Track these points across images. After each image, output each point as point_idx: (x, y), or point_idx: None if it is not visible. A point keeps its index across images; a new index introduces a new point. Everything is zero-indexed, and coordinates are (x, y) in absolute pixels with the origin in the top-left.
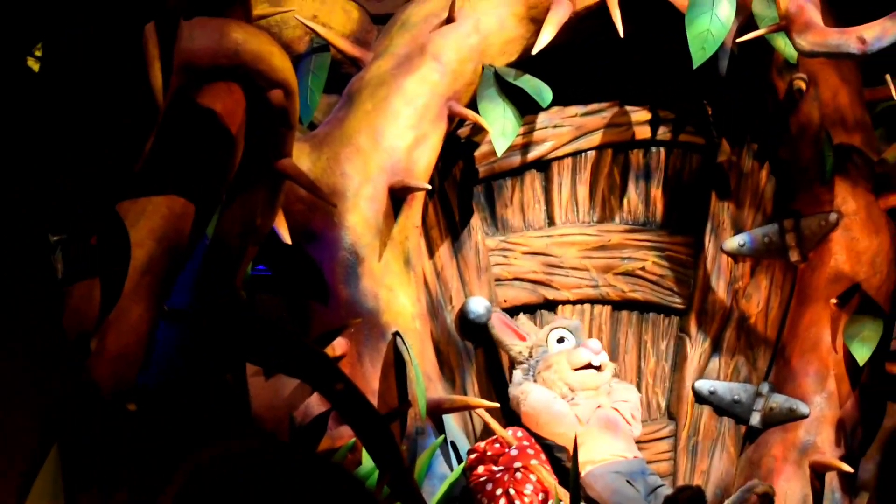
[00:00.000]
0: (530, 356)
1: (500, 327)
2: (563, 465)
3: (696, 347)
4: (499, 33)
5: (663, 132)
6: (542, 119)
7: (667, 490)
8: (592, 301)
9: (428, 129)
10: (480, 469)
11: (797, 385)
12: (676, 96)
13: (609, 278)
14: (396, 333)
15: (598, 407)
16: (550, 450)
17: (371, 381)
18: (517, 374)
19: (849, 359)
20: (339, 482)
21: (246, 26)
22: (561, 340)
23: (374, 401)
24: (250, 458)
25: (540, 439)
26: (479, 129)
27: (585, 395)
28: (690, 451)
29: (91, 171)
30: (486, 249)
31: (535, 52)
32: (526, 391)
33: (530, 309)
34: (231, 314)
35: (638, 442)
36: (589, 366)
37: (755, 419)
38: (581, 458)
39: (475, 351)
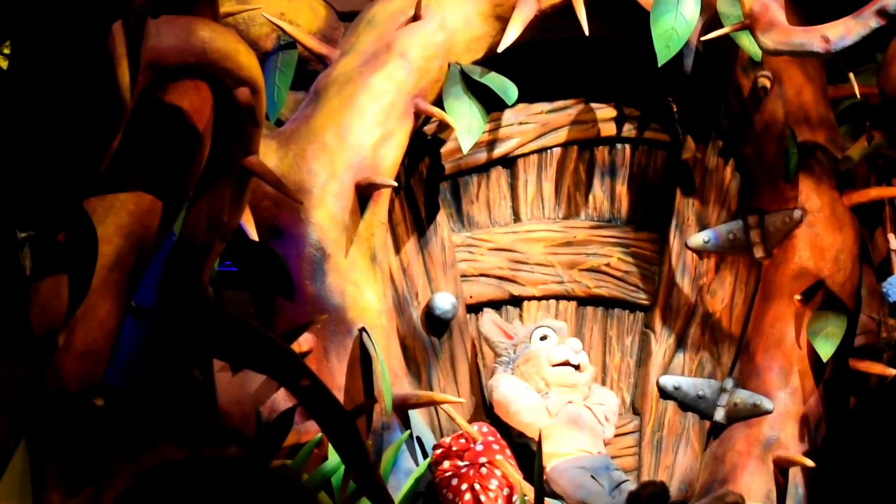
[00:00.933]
0: (514, 352)
1: (491, 327)
2: (531, 452)
3: (661, 343)
4: (465, 31)
5: (628, 129)
6: (507, 116)
7: (631, 485)
8: (558, 297)
9: (394, 126)
10: (446, 464)
11: (761, 381)
12: (641, 94)
13: (574, 274)
14: (362, 329)
15: (569, 402)
16: (517, 446)
17: (337, 376)
18: (498, 367)
19: (812, 355)
20: (282, 491)
21: (213, 24)
22: (544, 338)
23: (341, 396)
24: (191, 466)
25: (506, 436)
26: (445, 126)
27: (560, 391)
28: (655, 446)
29: (59, 168)
30: (452, 245)
31: (500, 49)
32: (499, 380)
33: (496, 305)
34: (198, 310)
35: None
36: (567, 364)
37: (719, 415)
38: (546, 450)
39: (441, 346)
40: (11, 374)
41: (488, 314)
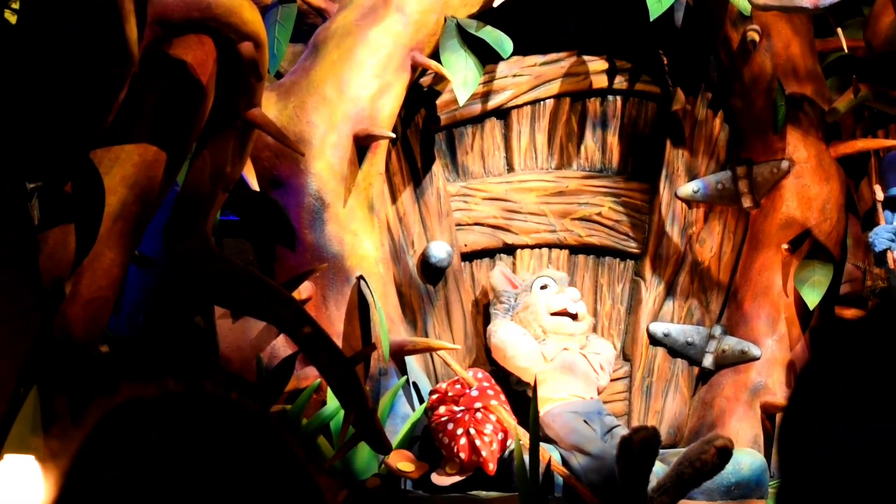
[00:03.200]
0: (515, 300)
1: (500, 278)
2: (527, 397)
3: (651, 291)
4: None
5: (620, 81)
6: (502, 69)
7: (622, 430)
8: (550, 245)
9: (391, 78)
10: (442, 409)
11: (749, 328)
12: (633, 47)
13: (566, 223)
14: (360, 277)
15: (565, 349)
16: (512, 392)
17: (336, 323)
18: (498, 313)
19: (799, 302)
20: (248, 423)
21: None
22: (544, 287)
23: (339, 343)
24: (164, 403)
25: (504, 383)
26: (441, 79)
27: (556, 338)
28: (645, 391)
29: (66, 120)
30: (448, 195)
31: (496, 4)
32: (497, 325)
33: (490, 253)
34: (201, 259)
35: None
36: (565, 313)
37: (708, 361)
38: (541, 394)
39: (436, 294)
40: (24, 322)
41: (499, 266)
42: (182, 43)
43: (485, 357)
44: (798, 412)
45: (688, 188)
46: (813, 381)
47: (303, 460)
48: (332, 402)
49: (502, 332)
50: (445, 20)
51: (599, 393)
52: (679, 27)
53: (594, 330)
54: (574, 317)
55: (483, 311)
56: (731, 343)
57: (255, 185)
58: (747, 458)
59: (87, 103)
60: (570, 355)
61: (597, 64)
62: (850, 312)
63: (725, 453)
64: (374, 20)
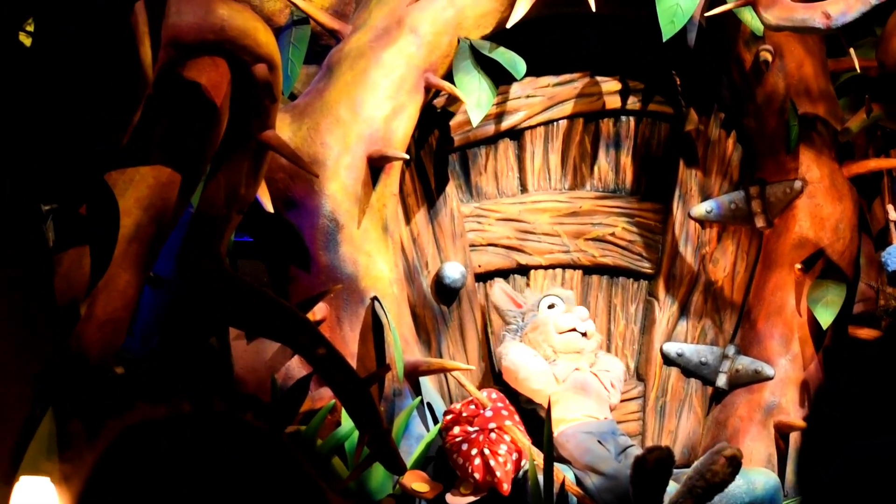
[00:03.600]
0: (522, 320)
1: (501, 296)
2: (540, 421)
3: (665, 311)
4: (474, 6)
5: (633, 102)
6: (515, 89)
7: (636, 450)
8: (564, 266)
9: (405, 99)
10: (456, 430)
11: (762, 347)
12: (646, 67)
13: (580, 244)
14: (375, 298)
15: (576, 369)
16: (526, 411)
17: (350, 344)
18: (507, 335)
19: (813, 322)
20: (259, 443)
21: (231, 2)
22: (552, 306)
23: (354, 364)
24: (179, 423)
25: (515, 402)
26: (454, 100)
27: (567, 358)
28: (659, 411)
29: (81, 142)
30: (461, 216)
31: (509, 25)
32: (508, 348)
33: (504, 274)
34: (215, 280)
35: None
36: (574, 331)
37: (721, 381)
38: (554, 416)
39: (450, 315)
40: (39, 344)
41: (499, 283)
42: (196, 65)
43: (492, 378)
44: (815, 431)
45: (701, 208)
46: (828, 400)
47: (315, 481)
48: (346, 423)
49: (514, 354)
50: (459, 41)
51: (611, 410)
52: (692, 47)
53: (607, 349)
54: (583, 335)
55: (497, 332)
56: (745, 363)
57: (269, 207)
58: (761, 478)
59: (101, 125)
60: (582, 375)
61: (610, 84)
62: (863, 332)
63: (735, 462)
64: (388, 42)
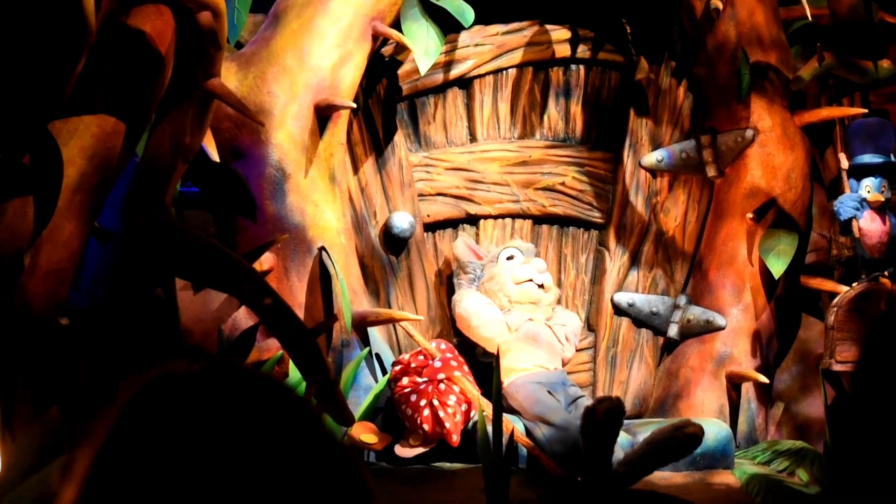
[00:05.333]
0: (481, 270)
1: (464, 250)
2: (490, 368)
3: (615, 261)
4: None
5: (583, 50)
6: (463, 38)
7: (587, 400)
8: (513, 216)
9: (353, 47)
10: (405, 381)
11: (714, 297)
12: (596, 16)
13: (530, 193)
14: (322, 248)
15: (529, 320)
16: (475, 361)
17: (297, 294)
18: (463, 283)
19: (764, 272)
20: (283, 403)
21: None
22: (510, 258)
23: (301, 314)
24: (195, 379)
25: (470, 355)
26: (402, 48)
27: (522, 308)
28: (610, 361)
29: (24, 92)
30: (410, 165)
31: None
32: (462, 295)
33: (453, 223)
34: (160, 231)
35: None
36: (531, 282)
37: (673, 331)
38: (504, 365)
39: (399, 265)
40: None
41: (462, 236)
42: (140, 13)
43: (449, 328)
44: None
45: (652, 157)
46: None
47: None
48: (294, 374)
49: (467, 301)
50: None
51: (565, 364)
52: None
53: (559, 301)
54: (540, 287)
55: (447, 282)
56: (696, 313)
57: (215, 156)
58: (713, 429)
59: (44, 74)
60: (535, 326)
61: (559, 33)
62: (815, 282)
63: (695, 440)
64: None
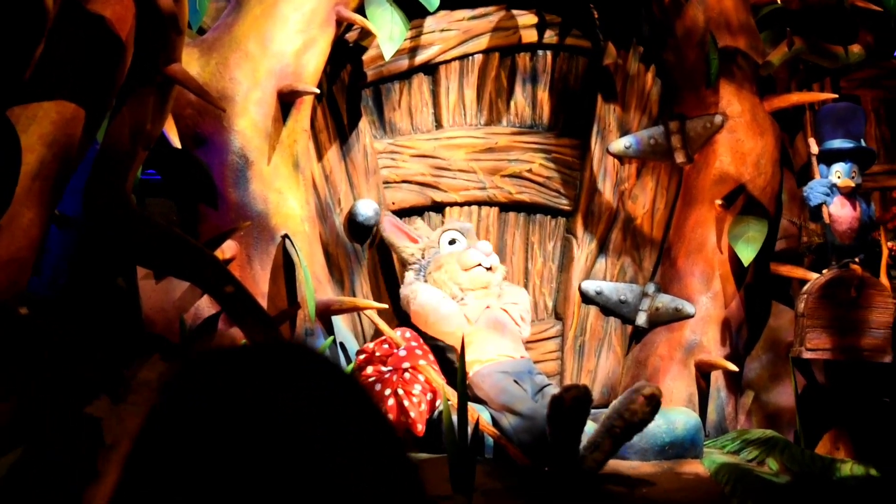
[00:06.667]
0: (423, 257)
1: (392, 230)
2: (453, 365)
3: (583, 248)
4: None
5: (550, 36)
6: (429, 23)
7: (554, 389)
8: (480, 203)
9: (316, 33)
10: (369, 369)
11: (683, 285)
12: (563, 1)
13: (496, 180)
14: (285, 236)
15: (487, 307)
16: (440, 350)
17: (261, 283)
18: (409, 274)
19: (734, 259)
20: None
21: None
22: (452, 242)
23: (264, 303)
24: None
25: (429, 340)
26: (367, 34)
27: (475, 295)
28: (577, 350)
29: None
30: (375, 152)
31: None
32: (415, 291)
33: (418, 211)
34: (122, 218)
35: (525, 342)
36: (479, 267)
37: (641, 319)
38: (469, 357)
39: (364, 253)
40: None
41: (387, 217)
42: None
43: (396, 319)
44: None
45: (620, 144)
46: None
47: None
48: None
49: (422, 296)
50: None
51: (527, 349)
52: None
53: (525, 287)
54: (489, 269)
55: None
56: (665, 301)
57: (176, 143)
58: (682, 418)
59: (1, 60)
60: (494, 313)
61: (526, 18)
62: (785, 269)
63: (654, 400)
64: None
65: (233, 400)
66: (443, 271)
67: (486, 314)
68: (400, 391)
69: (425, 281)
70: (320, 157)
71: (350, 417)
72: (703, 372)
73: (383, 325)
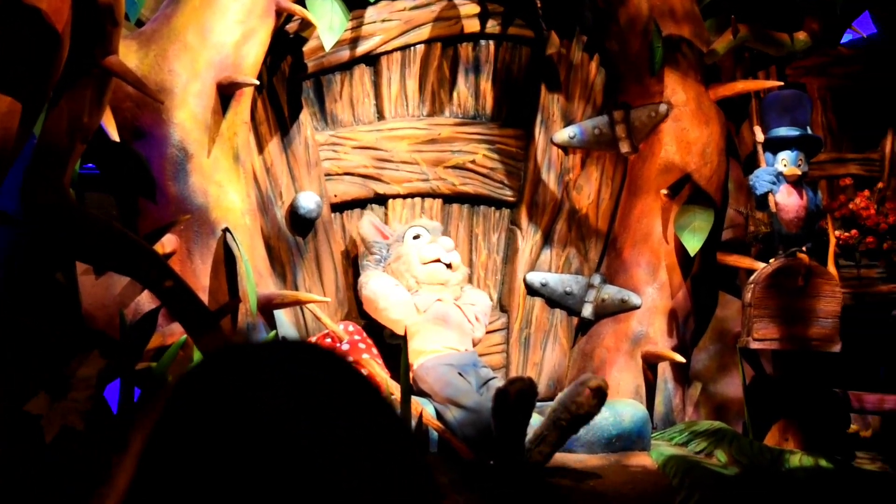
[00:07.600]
0: (387, 250)
1: (369, 229)
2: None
3: (528, 240)
4: None
5: (492, 25)
6: (370, 13)
7: (499, 382)
8: (423, 195)
9: (256, 24)
10: None
11: (629, 276)
12: None
13: (440, 172)
14: (226, 230)
15: (438, 300)
16: (388, 346)
17: (201, 277)
18: (369, 264)
19: (680, 249)
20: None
21: None
22: (417, 237)
23: (205, 297)
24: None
25: (379, 337)
26: (307, 25)
27: (430, 289)
28: (523, 343)
29: None
30: (316, 144)
31: None
32: (368, 277)
33: (361, 203)
34: (60, 213)
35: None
36: (438, 262)
37: (587, 311)
38: (413, 347)
39: (306, 246)
40: None
41: (367, 215)
42: None
43: (357, 310)
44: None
45: (564, 134)
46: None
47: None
48: (198, 358)
49: (374, 283)
50: None
51: (475, 345)
52: None
53: (469, 280)
54: (448, 266)
55: (354, 264)
56: (611, 292)
57: (115, 136)
58: (629, 410)
59: None
60: (444, 307)
61: (468, 7)
62: (732, 259)
63: (600, 393)
64: None
65: (249, 400)
66: (401, 262)
67: (435, 306)
68: None
69: (384, 271)
70: (261, 149)
71: (368, 422)
72: (650, 363)
73: (326, 319)
